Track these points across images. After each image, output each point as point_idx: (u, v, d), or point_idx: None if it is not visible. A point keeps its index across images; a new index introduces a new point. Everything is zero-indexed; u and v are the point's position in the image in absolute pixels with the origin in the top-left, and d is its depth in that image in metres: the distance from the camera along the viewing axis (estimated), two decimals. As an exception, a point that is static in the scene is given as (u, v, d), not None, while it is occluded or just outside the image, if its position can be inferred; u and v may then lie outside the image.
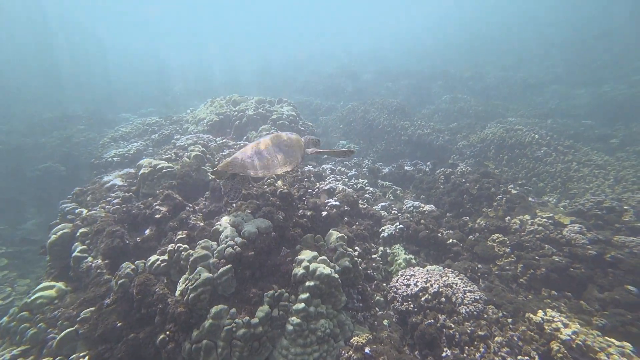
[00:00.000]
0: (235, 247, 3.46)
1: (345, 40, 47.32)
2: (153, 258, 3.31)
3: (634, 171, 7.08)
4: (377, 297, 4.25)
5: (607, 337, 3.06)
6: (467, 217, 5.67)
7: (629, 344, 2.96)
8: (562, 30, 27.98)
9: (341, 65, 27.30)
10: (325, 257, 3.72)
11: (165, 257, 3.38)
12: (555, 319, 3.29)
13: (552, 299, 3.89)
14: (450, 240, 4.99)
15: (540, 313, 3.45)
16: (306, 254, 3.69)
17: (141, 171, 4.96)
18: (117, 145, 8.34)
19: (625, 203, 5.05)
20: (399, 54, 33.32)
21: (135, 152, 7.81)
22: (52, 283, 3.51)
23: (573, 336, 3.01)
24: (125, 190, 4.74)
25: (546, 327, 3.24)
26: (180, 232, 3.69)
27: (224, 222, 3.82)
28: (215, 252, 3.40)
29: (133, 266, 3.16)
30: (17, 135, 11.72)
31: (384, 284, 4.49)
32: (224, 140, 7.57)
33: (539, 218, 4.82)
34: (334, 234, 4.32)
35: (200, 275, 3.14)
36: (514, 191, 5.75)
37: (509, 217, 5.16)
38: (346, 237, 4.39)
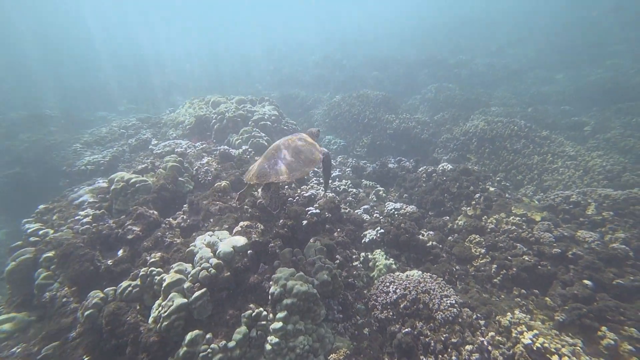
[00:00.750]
0: (210, 269, 3.42)
1: (328, 27, 46.13)
2: (124, 284, 3.23)
3: (600, 161, 7.27)
4: (359, 306, 4.31)
5: (562, 336, 3.26)
6: (448, 217, 5.75)
7: (579, 341, 3.20)
8: (543, 15, 27.92)
9: (326, 54, 26.72)
10: (302, 274, 3.72)
11: (138, 282, 3.31)
12: (520, 321, 3.46)
13: (522, 297, 4.05)
14: (430, 243, 5.07)
15: (508, 316, 3.60)
16: (283, 272, 3.68)
17: (113, 186, 4.80)
18: (91, 152, 8.03)
19: (589, 197, 5.19)
20: (385, 39, 32.77)
21: (111, 158, 7.56)
22: (13, 315, 3.40)
23: (534, 339, 3.17)
24: (96, 207, 4.59)
25: (513, 330, 3.39)
26: (153, 255, 3.61)
27: (199, 243, 3.75)
28: (189, 275, 3.35)
29: (102, 294, 3.08)
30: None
31: (365, 291, 4.55)
32: (204, 145, 7.38)
33: (513, 217, 4.92)
34: (313, 247, 4.32)
35: (173, 301, 3.10)
36: (491, 189, 5.84)
37: (485, 217, 5.25)
38: (325, 248, 4.40)
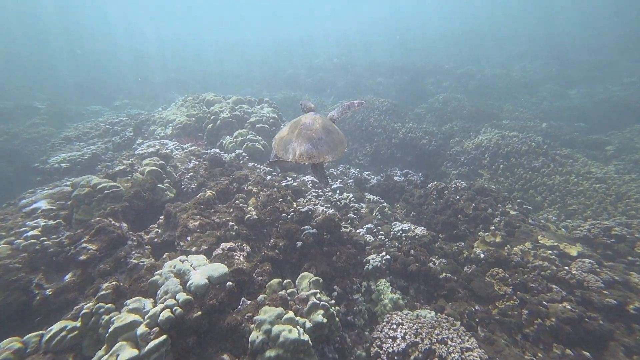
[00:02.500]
0: (175, 308, 2.69)
1: (334, 31, 45.89)
2: (57, 326, 2.48)
3: (635, 186, 6.60)
4: (359, 352, 3.58)
5: None
6: (462, 243, 5.04)
7: None
8: (554, 29, 27.58)
9: (330, 57, 26.26)
10: (291, 316, 3.00)
11: (78, 323, 2.57)
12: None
13: (567, 360, 3.28)
14: (444, 275, 4.35)
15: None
16: (268, 313, 2.95)
17: (76, 192, 4.07)
18: (69, 148, 7.31)
19: (636, 230, 4.50)
20: (390, 46, 32.39)
21: (91, 156, 6.84)
22: None
23: None
24: (51, 215, 3.86)
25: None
26: (105, 285, 2.88)
27: (166, 271, 3.03)
28: (147, 316, 2.62)
29: (19, 344, 2.33)
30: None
31: (367, 332, 3.82)
32: (193, 147, 6.68)
33: (543, 250, 4.21)
34: (306, 278, 3.59)
35: (118, 354, 2.36)
36: (512, 212, 5.15)
37: (508, 246, 4.55)
38: (321, 279, 3.68)
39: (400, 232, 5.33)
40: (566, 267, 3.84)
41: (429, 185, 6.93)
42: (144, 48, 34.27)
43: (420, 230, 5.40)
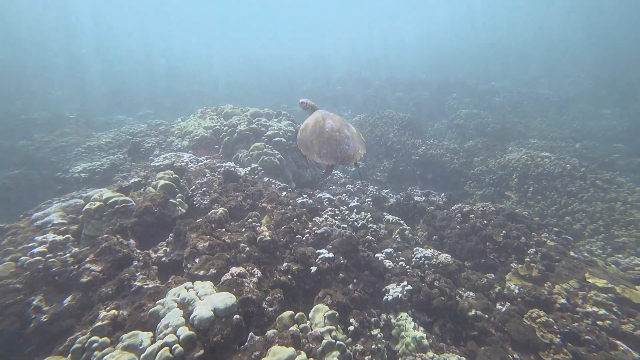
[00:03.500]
0: (175, 346, 2.42)
1: (355, 45, 46.42)
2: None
3: None
4: (376, 401, 3.17)
5: None
6: (492, 275, 4.54)
7: None
8: (584, 46, 26.55)
9: (350, 72, 26.35)
10: (304, 358, 2.66)
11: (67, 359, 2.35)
12: None
13: None
14: (473, 312, 3.88)
15: None
16: (278, 354, 2.63)
17: (87, 206, 3.97)
18: (91, 157, 7.42)
19: None
20: (410, 61, 32.27)
21: (110, 166, 6.88)
22: None
23: None
24: (61, 230, 3.76)
25: None
26: (103, 313, 2.66)
27: (169, 300, 2.79)
28: (142, 355, 2.37)
29: None
30: (-4, 136, 10.91)
31: (386, 377, 3.40)
32: (209, 160, 6.59)
33: (594, 292, 3.67)
34: (321, 312, 3.26)
35: (110, 400, 2.11)
36: (550, 243, 4.63)
37: (549, 284, 4.03)
38: (337, 313, 3.33)
39: (423, 259, 4.90)
40: (631, 319, 3.28)
41: (453, 207, 6.47)
42: (171, 62, 35.82)
43: (444, 258, 4.95)
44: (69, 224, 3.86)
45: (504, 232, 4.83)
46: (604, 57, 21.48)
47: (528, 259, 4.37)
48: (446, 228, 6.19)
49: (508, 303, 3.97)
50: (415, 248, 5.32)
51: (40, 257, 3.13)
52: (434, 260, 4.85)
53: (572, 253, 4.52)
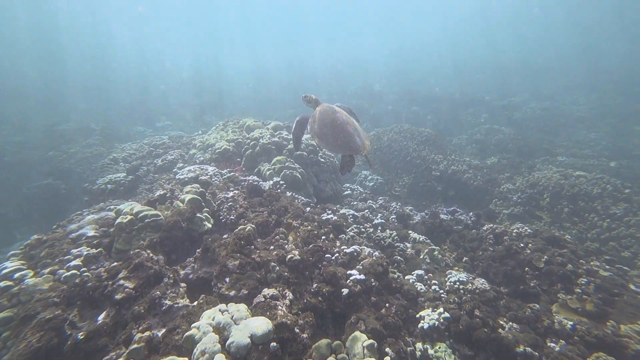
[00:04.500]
0: (212, 376, 2.28)
1: (368, 59, 46.94)
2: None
3: None
4: None
5: None
6: (537, 305, 4.22)
7: None
8: (610, 61, 25.95)
9: (364, 85, 26.50)
10: (347, 395, 2.46)
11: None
12: None
13: None
14: (522, 348, 3.58)
15: None
16: (319, 390, 2.45)
17: (118, 219, 3.95)
18: (116, 169, 7.53)
19: None
20: (426, 75, 32.30)
21: (134, 178, 6.93)
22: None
23: None
24: (94, 244, 3.73)
25: None
26: (138, 335, 2.55)
27: (204, 323, 2.66)
28: (180, 385, 2.23)
29: None
30: (28, 147, 11.33)
31: (427, 415, 3.13)
32: (232, 173, 6.57)
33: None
34: (359, 341, 3.05)
35: None
36: (603, 273, 4.29)
37: (613, 324, 3.67)
38: (375, 343, 3.12)
39: (458, 283, 4.64)
40: None
41: (484, 228, 6.19)
42: (187, 73, 37.00)
43: (480, 283, 4.67)
44: (101, 237, 3.84)
45: (545, 257, 4.53)
46: (637, 73, 20.81)
47: (579, 290, 4.04)
48: (477, 250, 5.91)
49: (562, 341, 3.63)
50: (448, 271, 5.07)
51: (75, 271, 3.08)
52: (470, 285, 4.58)
53: (632, 287, 4.15)
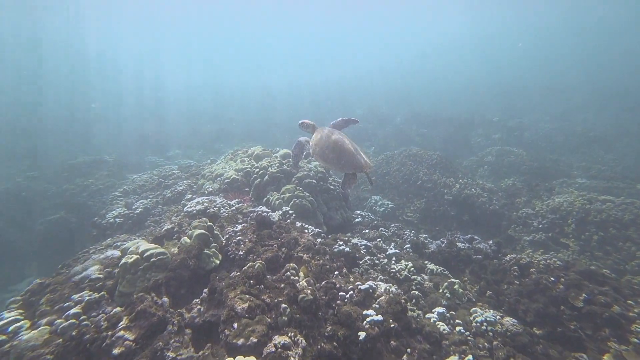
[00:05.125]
0: None
1: (373, 81, 48.01)
2: None
3: None
4: None
5: None
6: (584, 355, 3.76)
7: None
8: (617, 79, 25.84)
9: (371, 108, 26.84)
10: None
11: None
12: None
13: None
14: (566, 405, 3.14)
15: None
16: None
17: (124, 260, 3.79)
18: (125, 201, 7.51)
19: None
20: (432, 96, 32.68)
21: (142, 211, 6.88)
22: None
23: None
24: (96, 287, 3.55)
25: None
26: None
27: (209, 383, 2.40)
28: None
29: None
30: (44, 181, 11.58)
31: None
32: (240, 204, 6.45)
33: None
34: (383, 401, 2.71)
35: None
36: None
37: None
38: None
39: (485, 324, 4.24)
40: None
41: (507, 259, 5.80)
42: (197, 103, 38.35)
43: (510, 324, 4.26)
44: (105, 279, 3.67)
45: (584, 295, 4.12)
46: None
47: (636, 340, 3.57)
48: (501, 282, 5.50)
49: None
50: (473, 309, 4.67)
51: (74, 320, 2.89)
52: (499, 326, 4.17)
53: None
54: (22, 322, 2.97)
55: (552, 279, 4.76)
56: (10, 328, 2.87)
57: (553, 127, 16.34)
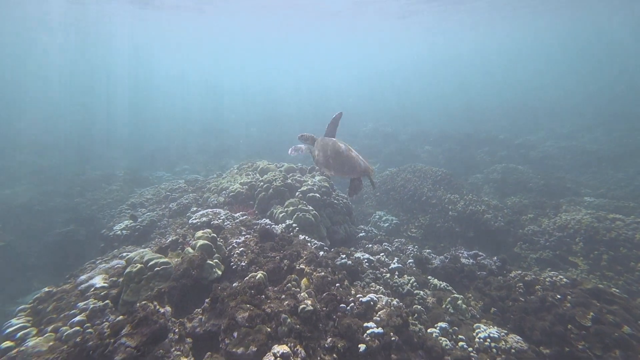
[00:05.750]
0: None
1: (377, 98, 48.62)
2: None
3: None
4: None
5: None
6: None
7: None
8: (624, 100, 25.76)
9: (376, 126, 27.18)
10: None
11: None
12: None
13: None
14: None
15: None
16: None
17: (128, 269, 3.89)
18: (132, 214, 7.69)
19: None
20: (436, 114, 32.95)
21: (148, 223, 7.03)
22: None
23: None
24: (101, 296, 3.64)
25: None
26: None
27: (206, 390, 2.42)
28: None
29: None
30: (57, 195, 11.93)
31: None
32: (245, 217, 6.56)
33: None
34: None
35: None
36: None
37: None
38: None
39: (489, 340, 4.14)
40: None
41: (512, 275, 5.72)
42: (205, 116, 39.32)
43: (515, 341, 4.15)
44: (109, 288, 3.76)
45: (591, 314, 4.02)
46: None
47: None
48: (506, 299, 5.39)
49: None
50: (476, 324, 4.58)
51: (78, 328, 2.96)
52: (503, 343, 4.07)
53: None
54: (29, 329, 3.05)
55: (559, 296, 4.67)
56: (19, 334, 2.96)
57: (560, 146, 16.27)
